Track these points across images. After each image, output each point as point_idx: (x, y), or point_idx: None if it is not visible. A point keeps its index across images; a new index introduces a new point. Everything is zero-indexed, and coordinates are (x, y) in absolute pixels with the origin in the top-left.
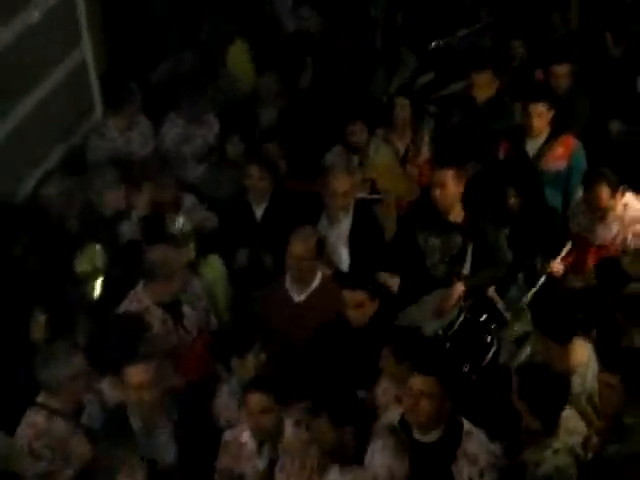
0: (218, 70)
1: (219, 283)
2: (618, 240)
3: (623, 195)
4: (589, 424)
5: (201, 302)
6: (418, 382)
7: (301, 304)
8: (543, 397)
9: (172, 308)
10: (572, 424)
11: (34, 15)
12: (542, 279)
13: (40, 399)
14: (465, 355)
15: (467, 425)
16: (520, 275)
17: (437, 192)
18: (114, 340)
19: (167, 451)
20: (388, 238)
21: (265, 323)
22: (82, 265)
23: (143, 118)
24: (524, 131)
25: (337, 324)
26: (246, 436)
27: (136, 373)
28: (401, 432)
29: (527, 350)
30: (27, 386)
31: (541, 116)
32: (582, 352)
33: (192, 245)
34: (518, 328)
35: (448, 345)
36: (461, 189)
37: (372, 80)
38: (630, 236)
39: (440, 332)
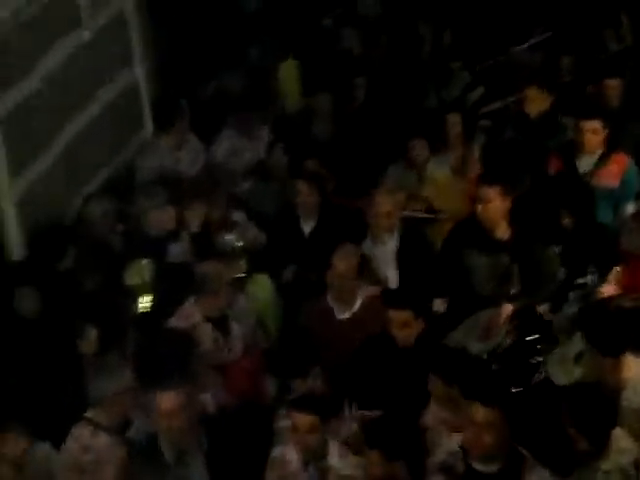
0: (269, 88)
1: (268, 302)
2: None
3: None
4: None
5: (248, 319)
6: (481, 414)
7: (345, 322)
8: (593, 417)
9: (220, 324)
10: (623, 443)
11: (85, 34)
12: (592, 296)
13: (88, 414)
14: (513, 377)
15: (529, 458)
16: (572, 294)
17: (483, 208)
18: (163, 355)
19: None
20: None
21: (313, 341)
22: (132, 278)
23: (192, 137)
24: (576, 147)
25: (383, 343)
26: (292, 454)
27: (166, 399)
28: (458, 465)
29: (579, 370)
30: (75, 401)
31: (595, 133)
32: (633, 367)
33: (242, 262)
34: (570, 348)
35: (495, 367)
36: (507, 205)
37: (423, 96)
38: None
39: (485, 354)
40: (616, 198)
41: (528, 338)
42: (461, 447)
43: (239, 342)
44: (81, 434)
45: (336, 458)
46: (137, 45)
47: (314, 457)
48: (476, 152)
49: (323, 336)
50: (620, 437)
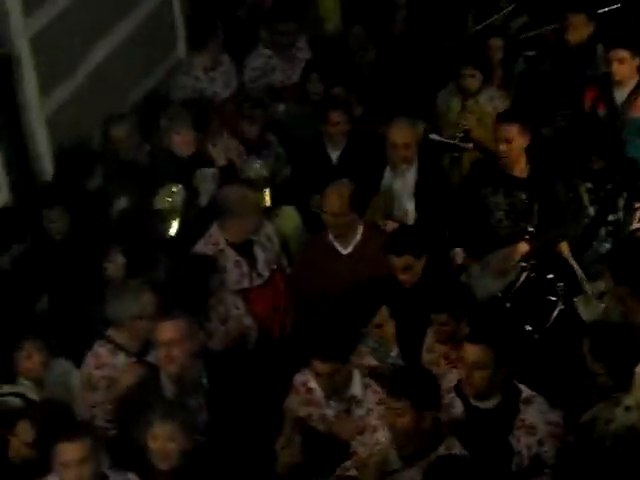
0: (307, 6)
1: (294, 233)
2: None
3: None
4: None
5: (273, 245)
6: (470, 352)
7: (348, 257)
8: (616, 353)
9: (245, 250)
10: None
11: None
12: (623, 232)
13: (109, 332)
14: (527, 315)
15: (526, 393)
16: (602, 230)
17: (503, 147)
18: (186, 281)
19: (198, 417)
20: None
21: (316, 278)
22: (162, 203)
23: (226, 57)
24: (612, 78)
25: (388, 284)
26: (314, 383)
27: (166, 329)
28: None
29: (601, 308)
30: (98, 321)
31: (623, 62)
32: None
33: (267, 190)
34: (593, 287)
35: (509, 305)
36: (526, 143)
37: (464, 23)
38: None
39: (499, 293)
40: None
41: (546, 276)
42: (457, 384)
43: (264, 268)
44: (99, 351)
45: (359, 388)
46: None
47: (337, 392)
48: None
49: (329, 272)
50: None
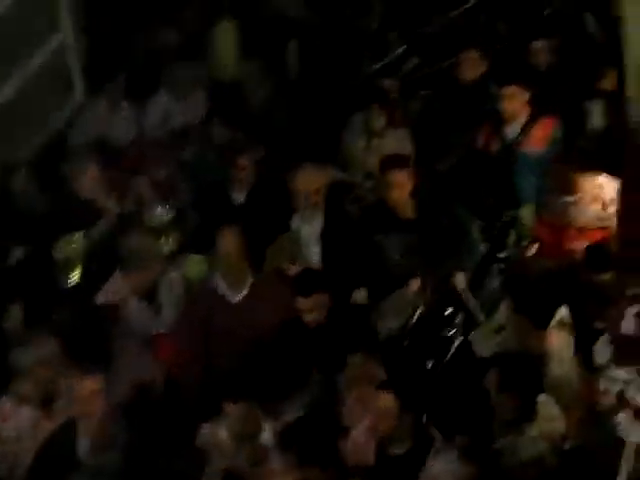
0: (205, 50)
1: (200, 278)
2: (600, 219)
3: (597, 177)
4: (567, 412)
5: (178, 292)
6: (377, 399)
7: (239, 305)
8: (520, 383)
9: (148, 297)
10: (549, 411)
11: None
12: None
13: (12, 385)
14: (426, 351)
15: (438, 442)
16: (495, 266)
17: (394, 193)
18: (88, 332)
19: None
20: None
21: (209, 325)
22: (62, 251)
23: (126, 101)
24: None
25: (293, 326)
26: (223, 433)
27: (83, 385)
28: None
29: (498, 339)
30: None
31: (513, 98)
32: (558, 338)
33: (172, 236)
34: (491, 321)
35: (406, 342)
36: (412, 185)
37: (359, 66)
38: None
39: (395, 331)
40: (543, 163)
41: (444, 312)
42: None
43: (168, 314)
44: (4, 405)
45: (270, 436)
46: (64, 8)
47: (249, 439)
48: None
49: (219, 322)
50: (547, 404)
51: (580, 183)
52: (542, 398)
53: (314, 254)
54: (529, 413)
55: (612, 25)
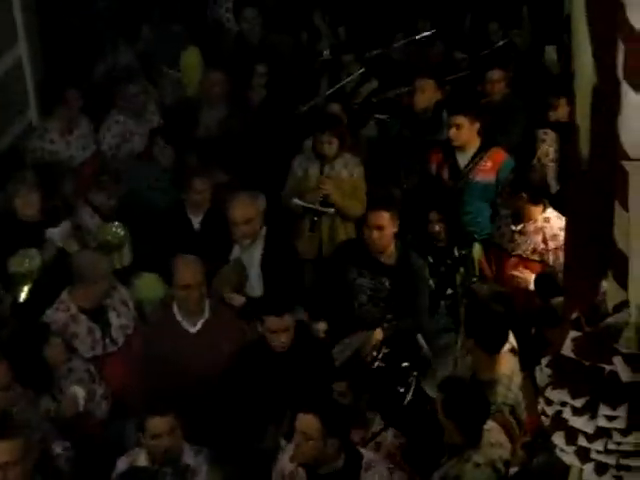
0: (161, 71)
1: (153, 299)
2: (538, 252)
3: (545, 209)
4: (511, 438)
5: (128, 310)
6: (300, 421)
7: (196, 335)
8: (466, 410)
9: (97, 316)
10: (494, 438)
11: None
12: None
13: None
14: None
15: (367, 457)
16: (442, 303)
17: (374, 234)
18: (35, 350)
19: None
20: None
21: (164, 354)
22: (16, 266)
23: (84, 120)
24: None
25: (257, 350)
26: (143, 459)
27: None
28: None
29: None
30: None
31: (460, 127)
32: (507, 363)
33: (122, 252)
34: (443, 368)
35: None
36: (395, 230)
37: (315, 90)
38: (550, 251)
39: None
40: (492, 193)
41: (401, 365)
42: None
43: (118, 334)
44: None
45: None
46: (20, 25)
47: (169, 461)
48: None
49: (177, 352)
50: (493, 431)
51: (528, 213)
52: (488, 425)
53: (255, 284)
54: (475, 440)
55: (567, 56)
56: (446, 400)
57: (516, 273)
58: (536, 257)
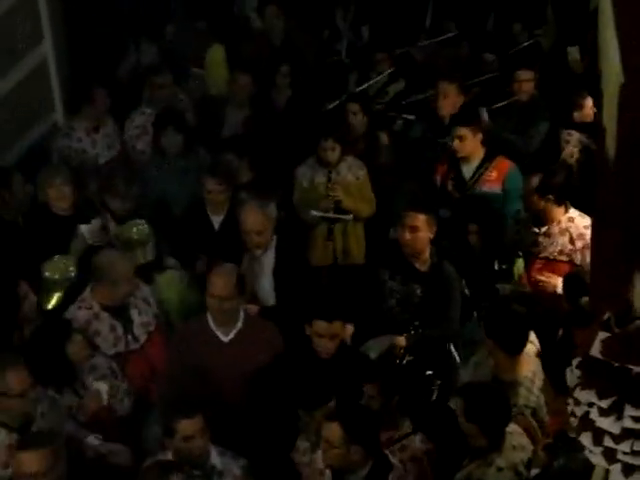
0: (186, 68)
1: (175, 297)
2: (565, 253)
3: (568, 210)
4: (533, 440)
5: (150, 307)
6: (324, 430)
7: (230, 344)
8: (488, 414)
9: (120, 313)
10: (516, 440)
11: None
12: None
13: None
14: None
15: (396, 471)
16: (475, 314)
17: (407, 236)
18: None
19: None
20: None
21: (197, 363)
22: (52, 271)
23: (110, 119)
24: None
25: (304, 354)
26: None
27: (29, 460)
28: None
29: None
30: None
31: (463, 139)
32: (528, 365)
33: (146, 249)
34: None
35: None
36: (432, 235)
37: (342, 90)
38: (578, 251)
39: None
40: (499, 204)
41: (425, 372)
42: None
43: (140, 331)
44: None
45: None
46: (46, 22)
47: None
48: (383, 146)
49: (210, 361)
50: (515, 434)
51: (552, 215)
52: (510, 428)
53: (268, 293)
54: (497, 443)
55: (591, 56)
56: (467, 404)
57: (541, 278)
58: (564, 258)
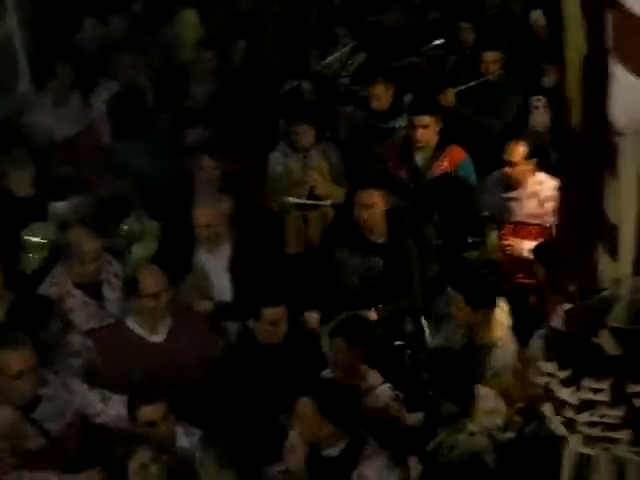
0: (158, 35)
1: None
2: (535, 216)
3: (534, 173)
4: (510, 403)
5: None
6: (298, 406)
7: (160, 345)
8: (455, 377)
9: (92, 290)
10: (490, 404)
11: None
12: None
13: None
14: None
15: (372, 446)
16: (448, 287)
17: (364, 213)
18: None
19: None
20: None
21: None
22: (32, 233)
23: (75, 93)
24: (411, 142)
25: (242, 346)
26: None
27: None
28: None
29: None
30: None
31: (428, 128)
32: (502, 327)
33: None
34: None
35: None
36: (385, 207)
37: (305, 66)
38: (547, 214)
39: None
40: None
41: (394, 343)
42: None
43: (114, 306)
44: None
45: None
46: None
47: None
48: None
49: (136, 363)
50: (487, 397)
51: (520, 179)
52: (482, 391)
53: (224, 288)
54: (467, 409)
55: (556, 22)
56: (432, 373)
57: (506, 242)
58: (533, 221)
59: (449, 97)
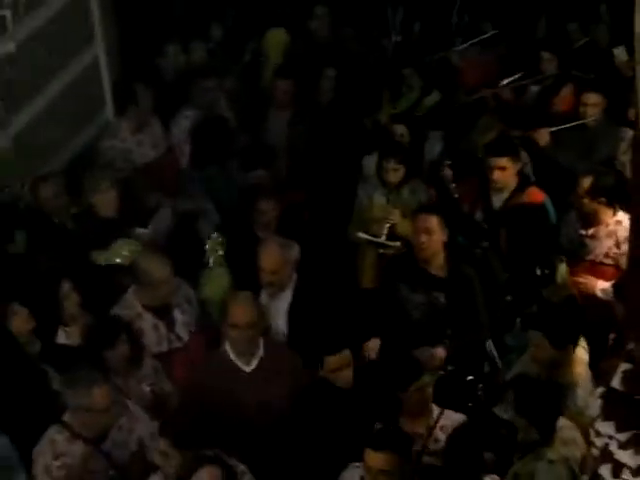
0: (240, 62)
1: (220, 295)
2: (610, 257)
3: (616, 212)
4: (588, 442)
5: (192, 307)
6: (375, 459)
7: (251, 374)
8: (539, 407)
9: (162, 313)
10: (567, 434)
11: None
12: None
13: (65, 418)
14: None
15: None
16: (518, 320)
17: (422, 237)
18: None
19: None
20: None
21: (218, 394)
22: (114, 257)
23: (155, 118)
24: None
25: (319, 389)
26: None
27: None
28: None
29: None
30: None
31: (504, 170)
32: (582, 364)
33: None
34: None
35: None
36: (445, 238)
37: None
38: (624, 255)
39: None
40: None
41: (466, 378)
42: None
43: (182, 331)
44: (55, 438)
45: None
46: (98, 23)
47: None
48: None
49: (229, 392)
50: (565, 428)
51: (599, 217)
52: (562, 422)
53: (281, 333)
54: (548, 437)
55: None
56: (518, 396)
57: (580, 279)
58: (609, 261)
59: (544, 136)
